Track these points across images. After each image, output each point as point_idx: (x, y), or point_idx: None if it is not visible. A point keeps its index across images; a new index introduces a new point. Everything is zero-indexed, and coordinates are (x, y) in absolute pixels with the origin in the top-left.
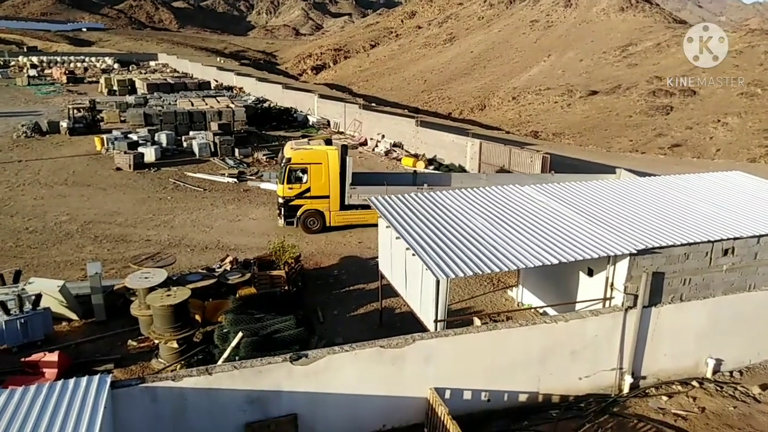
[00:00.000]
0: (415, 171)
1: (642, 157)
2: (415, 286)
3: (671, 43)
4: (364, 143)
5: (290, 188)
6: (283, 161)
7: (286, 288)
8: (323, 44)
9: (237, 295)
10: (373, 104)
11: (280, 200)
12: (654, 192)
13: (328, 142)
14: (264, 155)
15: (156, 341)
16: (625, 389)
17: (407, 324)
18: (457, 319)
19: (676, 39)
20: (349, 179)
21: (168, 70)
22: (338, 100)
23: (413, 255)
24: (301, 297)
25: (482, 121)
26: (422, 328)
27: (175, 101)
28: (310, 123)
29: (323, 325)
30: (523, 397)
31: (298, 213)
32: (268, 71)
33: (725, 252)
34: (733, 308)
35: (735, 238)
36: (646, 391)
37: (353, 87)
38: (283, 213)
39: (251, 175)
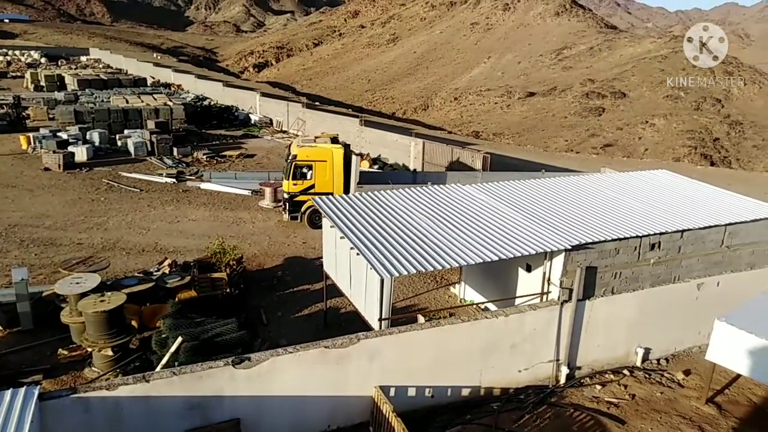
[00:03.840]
0: (414, 170)
1: (576, 156)
2: (360, 285)
3: (603, 47)
4: None
5: (295, 184)
6: (289, 158)
7: (228, 290)
8: (265, 42)
9: (176, 299)
10: (317, 103)
11: (285, 195)
12: (587, 190)
13: (335, 140)
14: (204, 154)
15: (89, 349)
16: (562, 380)
17: (352, 324)
18: (401, 317)
19: (608, 43)
20: (356, 178)
21: (101, 66)
22: (281, 99)
23: (358, 254)
24: (244, 299)
25: (425, 120)
26: (367, 328)
27: (109, 98)
28: (252, 122)
29: (267, 327)
30: (465, 392)
31: (303, 208)
32: (208, 68)
33: (652, 246)
34: (660, 299)
35: (661, 233)
36: (582, 380)
37: (296, 86)
38: (287, 208)
39: (191, 175)
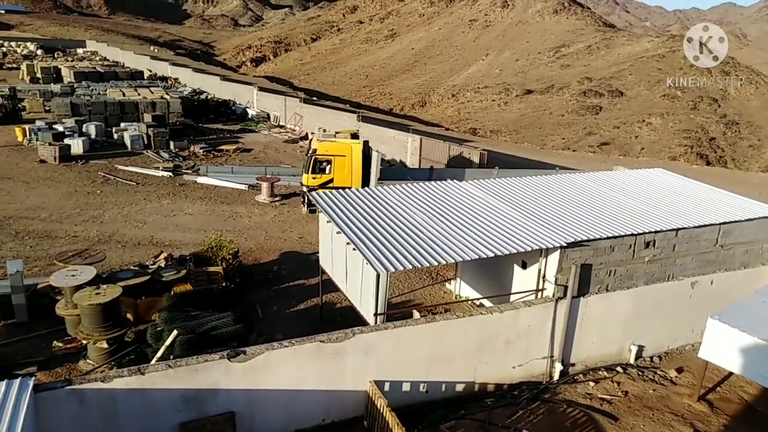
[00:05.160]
0: (431, 167)
1: (573, 154)
2: (356, 280)
3: (601, 46)
4: (306, 137)
5: (314, 178)
6: (309, 152)
7: (224, 284)
8: (263, 36)
9: (172, 293)
10: (314, 98)
11: (305, 189)
12: (583, 188)
13: (354, 136)
14: (201, 148)
15: (84, 342)
16: (556, 376)
17: (348, 318)
18: (396, 312)
19: (606, 42)
20: (377, 174)
21: (97, 59)
22: (278, 94)
23: (354, 249)
24: (240, 293)
25: (423, 117)
26: (362, 322)
27: (105, 91)
28: (249, 116)
29: (262, 321)
30: (460, 387)
31: None
32: (205, 62)
33: (647, 244)
34: (653, 297)
35: (656, 232)
36: (575, 377)
37: (294, 80)
38: (306, 201)
39: (187, 168)
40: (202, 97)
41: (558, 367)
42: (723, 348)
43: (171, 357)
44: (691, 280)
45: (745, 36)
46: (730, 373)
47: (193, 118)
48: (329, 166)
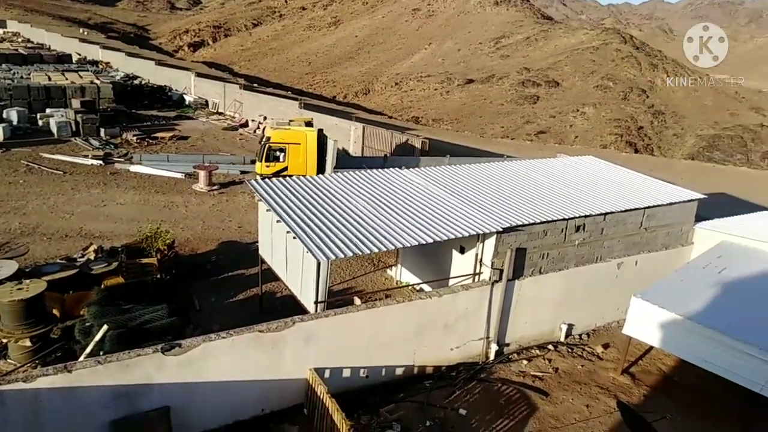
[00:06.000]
0: (385, 155)
1: (512, 142)
2: (296, 269)
3: (539, 38)
4: (245, 125)
5: (267, 166)
6: (263, 140)
7: (159, 276)
8: (202, 20)
9: (102, 286)
10: (255, 85)
11: (258, 177)
12: (519, 175)
13: (309, 124)
14: (134, 136)
15: (4, 340)
16: (492, 356)
17: (288, 308)
18: (338, 299)
19: (544, 34)
20: (333, 162)
21: (20, 40)
22: (217, 80)
23: (294, 238)
24: (176, 285)
25: (366, 105)
26: (303, 311)
27: (29, 74)
28: (187, 102)
29: (200, 313)
30: (399, 371)
31: None
32: (140, 46)
33: (577, 228)
34: (583, 278)
35: (586, 216)
36: (510, 356)
37: (234, 66)
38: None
39: (119, 157)
40: (136, 82)
41: (494, 347)
42: (644, 324)
43: (101, 353)
44: (618, 261)
45: (672, 31)
46: (651, 347)
47: (126, 104)
48: (283, 154)
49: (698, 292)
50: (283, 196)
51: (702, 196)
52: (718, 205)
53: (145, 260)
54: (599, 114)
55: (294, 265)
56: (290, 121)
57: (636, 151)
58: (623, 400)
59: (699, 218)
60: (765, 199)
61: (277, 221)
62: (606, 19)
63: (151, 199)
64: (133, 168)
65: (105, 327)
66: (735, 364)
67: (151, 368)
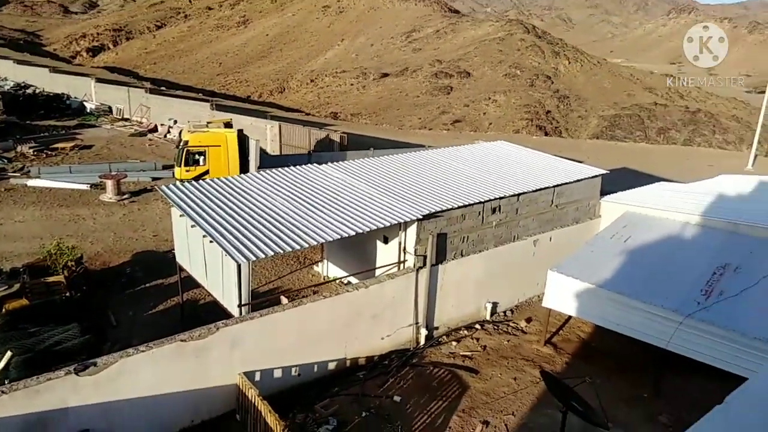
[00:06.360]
0: (309, 152)
1: (429, 133)
2: (216, 273)
3: (448, 30)
4: (154, 129)
5: (187, 171)
6: (180, 144)
7: (68, 294)
8: (100, 24)
9: (3, 310)
10: (163, 88)
11: (178, 183)
12: (435, 162)
13: (228, 125)
14: (30, 148)
15: None
16: (422, 341)
17: (212, 314)
18: (263, 300)
19: (452, 26)
20: (257, 162)
21: None
22: (121, 85)
23: (211, 242)
24: (89, 302)
25: (282, 103)
26: (228, 316)
27: None
28: (88, 110)
29: (116, 328)
30: (332, 366)
31: None
32: (31, 53)
33: (493, 210)
34: (503, 257)
35: (500, 198)
36: (439, 339)
37: (139, 70)
38: None
39: (14, 171)
40: (29, 91)
41: (423, 332)
42: (561, 296)
43: (6, 381)
44: (534, 238)
45: (571, 20)
46: (570, 317)
47: (19, 115)
48: (203, 157)
49: (607, 261)
50: (197, 200)
51: (605, 172)
52: (621, 179)
53: (51, 279)
54: (510, 101)
55: (214, 269)
56: (208, 123)
57: (546, 134)
58: (547, 369)
59: (604, 192)
60: (662, 171)
61: (192, 226)
62: (510, 11)
63: (54, 213)
64: (31, 182)
65: (9, 353)
66: (644, 324)
67: (64, 391)
